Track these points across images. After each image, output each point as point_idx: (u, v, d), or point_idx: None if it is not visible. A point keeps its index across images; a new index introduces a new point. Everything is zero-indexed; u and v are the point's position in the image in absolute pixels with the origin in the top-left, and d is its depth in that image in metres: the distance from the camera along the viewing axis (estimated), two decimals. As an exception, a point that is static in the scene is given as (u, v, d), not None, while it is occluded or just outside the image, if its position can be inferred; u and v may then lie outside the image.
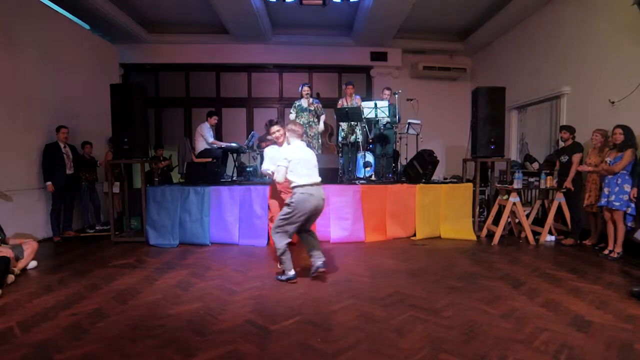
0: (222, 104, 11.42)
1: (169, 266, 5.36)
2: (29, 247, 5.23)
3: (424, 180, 7.34)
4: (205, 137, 7.96)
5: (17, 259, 4.97)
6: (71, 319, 3.58)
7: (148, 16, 9.55)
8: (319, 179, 4.66)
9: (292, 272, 4.58)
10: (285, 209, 4.52)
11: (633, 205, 5.41)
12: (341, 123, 8.08)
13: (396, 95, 7.97)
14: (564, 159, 6.62)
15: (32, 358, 2.91)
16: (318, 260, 4.64)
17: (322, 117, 8.03)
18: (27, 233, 6.38)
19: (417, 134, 8.19)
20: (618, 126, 5.68)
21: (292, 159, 4.49)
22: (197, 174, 7.16)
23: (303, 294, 4.21)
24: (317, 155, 7.69)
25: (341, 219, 6.76)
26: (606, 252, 5.73)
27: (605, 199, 5.64)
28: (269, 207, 5.69)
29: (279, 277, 4.68)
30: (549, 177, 6.54)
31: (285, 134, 4.90)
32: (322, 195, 4.61)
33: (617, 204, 5.48)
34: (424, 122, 8.31)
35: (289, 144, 4.78)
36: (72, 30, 8.51)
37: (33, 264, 5.27)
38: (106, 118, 7.14)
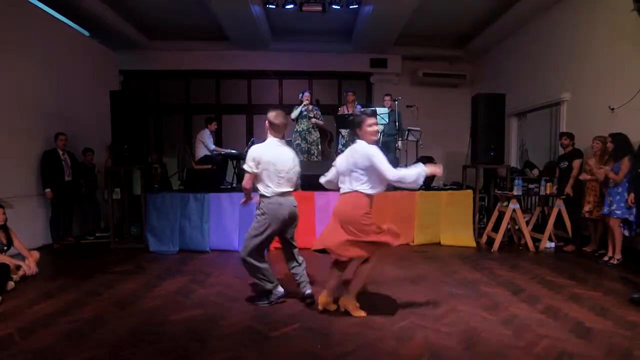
0: (222, 110, 11.44)
1: (169, 273, 5.35)
2: (31, 257, 5.27)
3: (423, 187, 7.34)
4: (206, 143, 7.97)
5: (18, 268, 4.97)
6: (71, 325, 3.57)
7: (148, 23, 9.59)
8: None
9: (280, 288, 4.08)
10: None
11: (634, 212, 5.40)
12: (341, 130, 8.09)
13: (396, 102, 8.00)
14: (564, 165, 6.64)
15: (31, 365, 2.91)
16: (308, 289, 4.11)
17: (320, 120, 8.03)
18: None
19: (417, 141, 8.20)
20: (610, 135, 5.72)
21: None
22: (197, 181, 7.17)
23: (303, 300, 4.20)
24: (317, 161, 7.80)
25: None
26: (606, 258, 5.73)
27: (608, 208, 5.65)
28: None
29: (261, 301, 4.09)
30: (548, 184, 6.55)
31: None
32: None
33: (619, 212, 5.48)
34: (424, 129, 8.34)
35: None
36: (72, 36, 8.57)
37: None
38: (106, 125, 7.17)
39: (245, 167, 3.89)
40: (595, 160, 6.07)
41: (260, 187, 3.95)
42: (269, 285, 4.03)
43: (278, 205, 3.92)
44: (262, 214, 3.92)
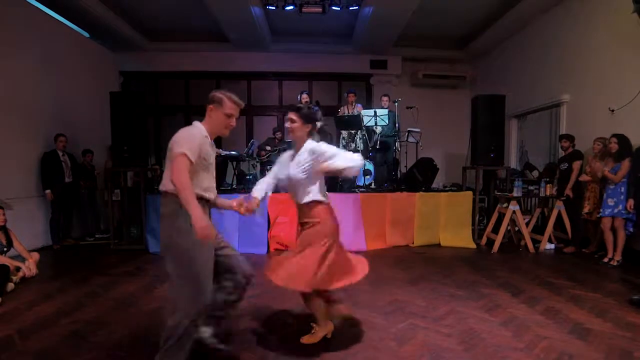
0: (222, 111, 11.40)
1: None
2: (31, 259, 5.28)
3: (423, 188, 7.35)
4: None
5: (18, 269, 4.97)
6: (71, 327, 3.58)
7: (148, 24, 9.60)
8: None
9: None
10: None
11: (632, 214, 5.42)
12: (342, 131, 8.09)
13: (396, 104, 8.00)
14: (564, 166, 6.65)
15: (31, 366, 2.91)
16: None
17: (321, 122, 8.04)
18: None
19: (417, 142, 8.21)
20: (614, 135, 5.74)
21: None
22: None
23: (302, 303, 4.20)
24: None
25: (341, 227, 6.72)
26: (606, 259, 5.73)
27: (611, 210, 5.65)
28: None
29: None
30: (548, 185, 6.55)
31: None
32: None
33: (624, 211, 5.50)
34: (424, 130, 8.33)
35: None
36: (72, 38, 8.58)
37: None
38: (106, 126, 7.18)
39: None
40: (596, 161, 6.08)
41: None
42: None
43: None
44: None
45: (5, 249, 5.14)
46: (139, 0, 8.35)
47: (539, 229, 7.24)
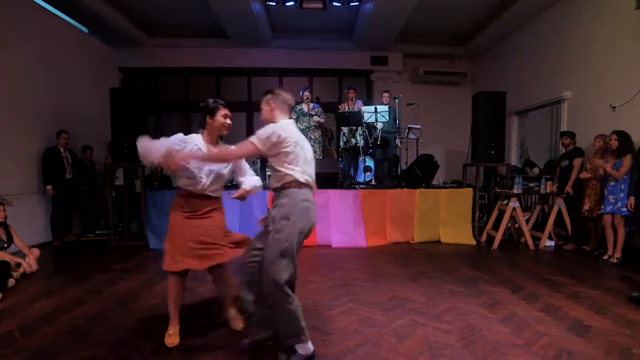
0: (222, 108, 11.38)
1: (169, 270, 5.35)
2: (32, 255, 5.28)
3: (424, 185, 7.35)
4: (206, 142, 7.98)
5: (18, 265, 4.97)
6: (71, 323, 3.58)
7: (148, 20, 9.56)
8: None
9: (310, 344, 2.86)
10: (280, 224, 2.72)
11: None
12: (343, 127, 8.10)
13: (396, 100, 8.00)
14: (564, 163, 6.64)
15: (32, 362, 2.92)
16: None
17: (321, 118, 8.05)
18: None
19: (417, 139, 8.21)
20: (614, 132, 5.73)
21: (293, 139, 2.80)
22: (197, 178, 7.17)
23: (303, 298, 4.19)
24: (317, 159, 7.81)
25: (342, 224, 6.77)
26: (606, 257, 5.74)
27: (612, 207, 5.64)
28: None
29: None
30: (549, 182, 6.54)
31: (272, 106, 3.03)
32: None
33: (624, 209, 5.49)
34: (425, 127, 8.33)
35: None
36: (71, 33, 8.55)
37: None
38: (105, 122, 7.17)
39: (252, 138, 2.83)
40: (597, 158, 6.07)
41: (285, 170, 2.77)
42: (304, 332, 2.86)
43: (311, 204, 2.82)
44: (287, 217, 2.72)
45: (5, 245, 5.15)
46: (139, -4, 8.33)
47: (539, 226, 7.24)
